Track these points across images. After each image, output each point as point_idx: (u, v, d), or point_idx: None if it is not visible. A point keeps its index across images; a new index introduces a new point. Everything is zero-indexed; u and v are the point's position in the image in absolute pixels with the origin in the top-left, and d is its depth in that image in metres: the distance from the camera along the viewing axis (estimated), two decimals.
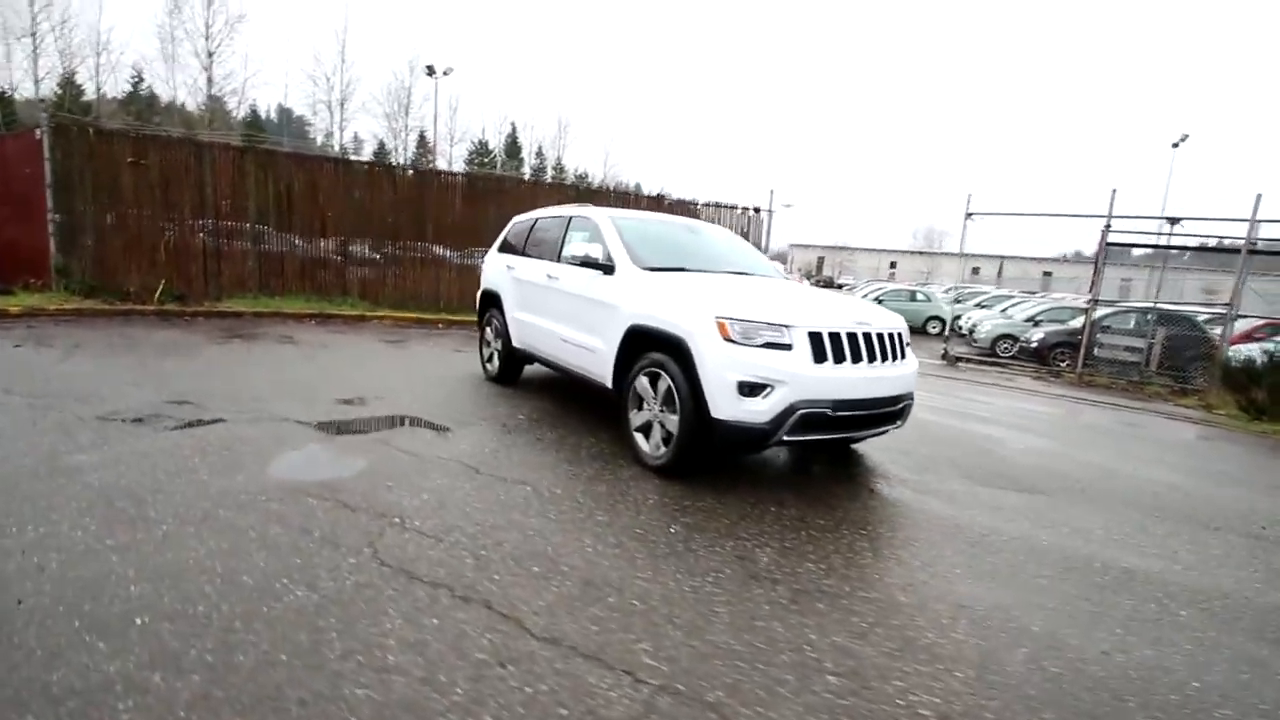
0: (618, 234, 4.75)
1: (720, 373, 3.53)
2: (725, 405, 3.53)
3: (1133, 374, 11.37)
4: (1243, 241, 9.52)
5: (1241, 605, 2.87)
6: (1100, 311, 11.68)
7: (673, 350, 3.82)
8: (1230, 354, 8.90)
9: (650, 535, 3.08)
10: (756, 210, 13.43)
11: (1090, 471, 4.92)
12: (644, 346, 4.09)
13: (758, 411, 3.50)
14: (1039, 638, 2.44)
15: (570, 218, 5.43)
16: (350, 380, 5.94)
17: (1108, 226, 11.04)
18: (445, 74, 28.85)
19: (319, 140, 42.43)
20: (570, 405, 5.60)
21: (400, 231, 12.16)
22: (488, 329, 6.46)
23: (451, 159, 46.55)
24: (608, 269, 4.55)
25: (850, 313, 3.91)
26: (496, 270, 6.30)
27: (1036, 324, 15.39)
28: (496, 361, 6.29)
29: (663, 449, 3.92)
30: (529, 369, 6.38)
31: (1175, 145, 28.58)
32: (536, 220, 6.04)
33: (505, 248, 6.44)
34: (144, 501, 3.03)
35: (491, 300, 6.33)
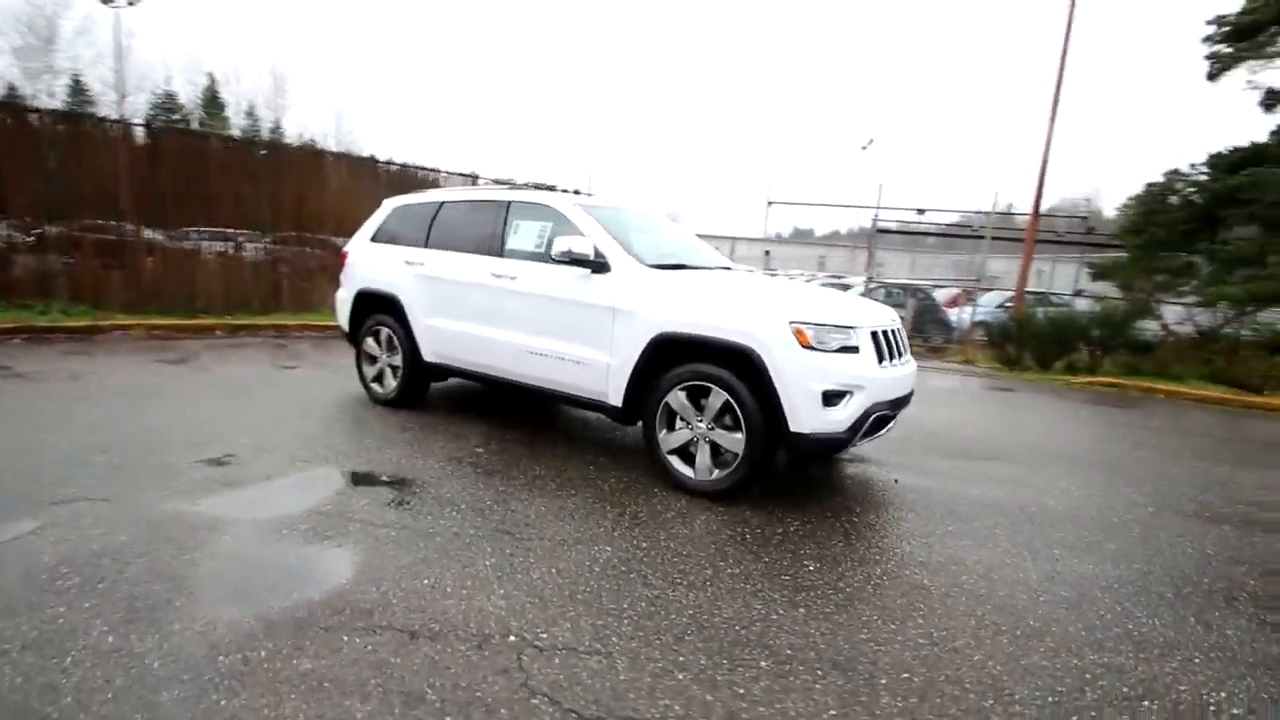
0: (598, 224, 4.03)
1: (804, 383, 3.20)
2: (808, 418, 3.22)
3: None
4: (969, 229, 12.08)
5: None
6: (874, 285, 13.89)
7: (733, 361, 3.36)
8: (982, 318, 11.28)
9: (803, 581, 2.66)
10: (578, 193, 12.97)
11: (994, 433, 5.70)
12: (681, 357, 3.54)
13: (838, 420, 3.26)
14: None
15: (509, 203, 4.48)
16: (179, 427, 4.20)
17: (877, 216, 13.12)
18: (131, 3, 22.14)
19: None
20: (517, 425, 4.72)
21: (121, 211, 9.11)
22: (371, 340, 5.10)
23: (126, 112, 36.51)
24: (599, 266, 3.84)
25: (878, 310, 3.88)
26: (385, 266, 4.97)
27: None
28: (393, 381, 5.01)
29: (717, 471, 3.47)
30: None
31: (864, 148, 35.13)
32: (442, 204, 4.88)
33: (386, 237, 5.13)
34: None
35: (381, 304, 5.00)
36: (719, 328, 3.38)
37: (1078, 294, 13.25)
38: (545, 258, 4.13)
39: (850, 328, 3.35)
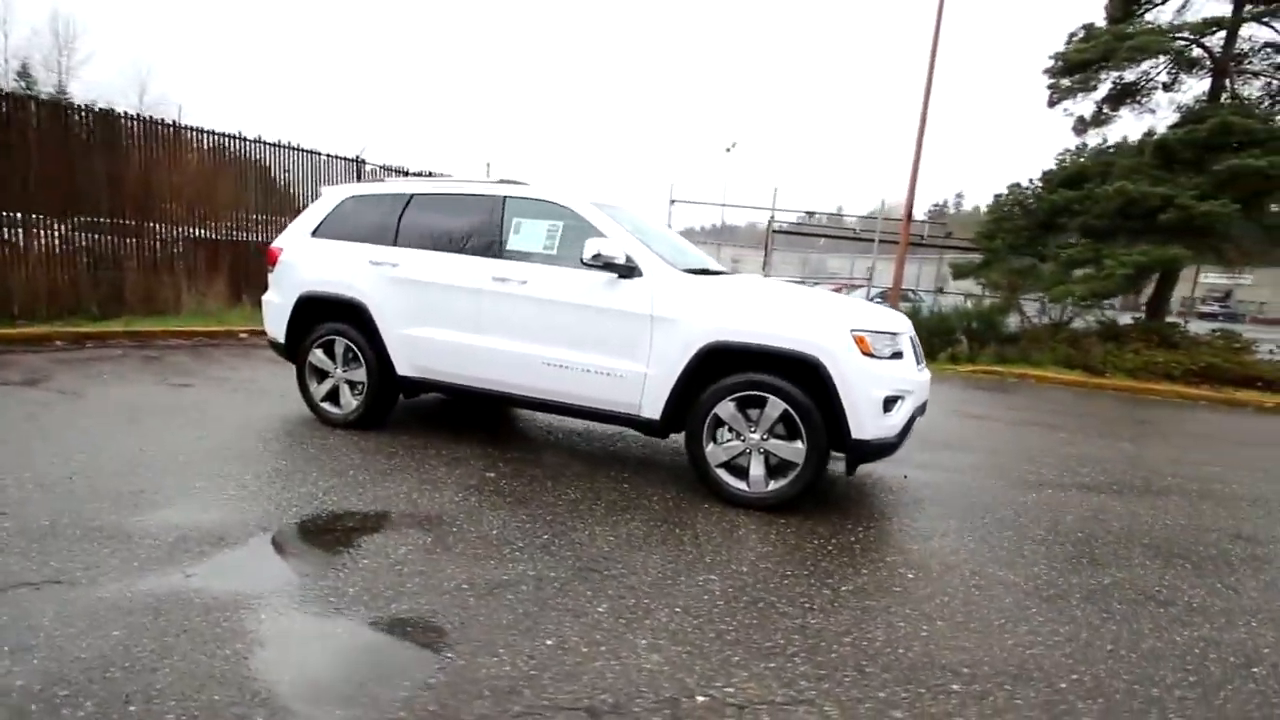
0: (618, 225, 3.76)
1: (868, 390, 3.21)
2: (871, 425, 3.24)
3: None
4: (864, 233, 13.11)
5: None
6: None
7: (792, 370, 3.29)
8: None
9: (915, 591, 2.66)
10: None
11: (934, 422, 6.15)
12: (730, 367, 3.40)
13: (893, 425, 3.32)
14: None
15: (504, 199, 4.04)
16: (91, 471, 3.33)
17: (773, 218, 13.77)
18: None
19: None
20: (508, 440, 4.32)
21: None
22: (320, 353, 4.38)
23: None
24: (628, 271, 3.59)
25: (902, 317, 4.00)
26: (341, 266, 4.28)
27: None
28: (352, 398, 4.34)
29: (773, 482, 3.39)
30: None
31: (728, 150, 36.88)
32: (413, 196, 4.30)
33: (336, 232, 4.43)
34: None
35: (337, 311, 4.30)
36: (781, 337, 3.29)
37: (939, 291, 14.93)
38: (558, 260, 3.80)
39: (896, 334, 3.43)
